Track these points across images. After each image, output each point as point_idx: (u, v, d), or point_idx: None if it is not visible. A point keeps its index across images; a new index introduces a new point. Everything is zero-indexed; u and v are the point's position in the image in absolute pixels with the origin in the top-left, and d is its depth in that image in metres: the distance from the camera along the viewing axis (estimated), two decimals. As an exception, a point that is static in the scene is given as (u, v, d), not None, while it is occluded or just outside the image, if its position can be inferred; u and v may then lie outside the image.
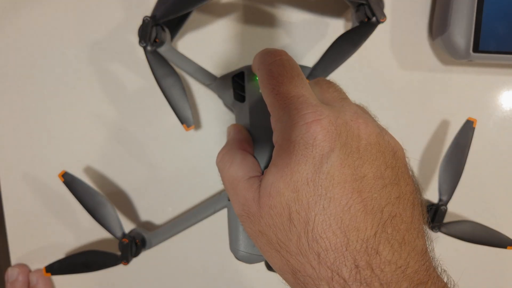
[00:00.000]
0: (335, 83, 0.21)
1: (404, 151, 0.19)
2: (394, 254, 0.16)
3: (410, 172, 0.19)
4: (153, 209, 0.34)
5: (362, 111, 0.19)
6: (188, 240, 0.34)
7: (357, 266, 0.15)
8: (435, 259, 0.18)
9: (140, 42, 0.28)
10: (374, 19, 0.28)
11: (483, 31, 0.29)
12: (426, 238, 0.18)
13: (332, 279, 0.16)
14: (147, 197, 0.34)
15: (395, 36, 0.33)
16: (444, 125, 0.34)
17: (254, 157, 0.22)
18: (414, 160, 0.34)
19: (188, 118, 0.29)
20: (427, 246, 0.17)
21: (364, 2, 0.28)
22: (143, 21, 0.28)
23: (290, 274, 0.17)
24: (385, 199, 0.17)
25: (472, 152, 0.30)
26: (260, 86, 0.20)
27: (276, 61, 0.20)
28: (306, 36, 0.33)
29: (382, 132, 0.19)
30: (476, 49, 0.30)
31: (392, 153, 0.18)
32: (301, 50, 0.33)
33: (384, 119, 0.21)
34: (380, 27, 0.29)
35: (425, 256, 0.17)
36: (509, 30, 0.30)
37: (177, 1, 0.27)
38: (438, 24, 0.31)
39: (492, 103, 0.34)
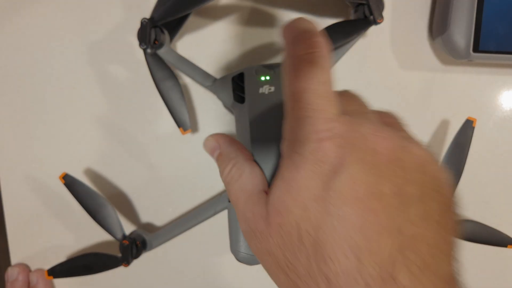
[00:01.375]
0: (359, 96, 0.20)
1: (437, 164, 0.17)
2: (413, 280, 0.14)
3: (444, 186, 0.17)
4: (154, 210, 0.34)
5: (381, 125, 0.17)
6: (188, 242, 0.34)
7: None
8: (464, 285, 0.16)
9: (140, 44, 0.28)
10: (371, 18, 0.28)
11: (483, 31, 0.29)
12: (453, 261, 0.16)
13: None
14: (147, 198, 0.34)
15: (395, 36, 0.33)
16: (444, 125, 0.34)
17: (257, 163, 0.21)
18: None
19: (185, 122, 0.29)
20: (454, 271, 0.15)
21: (364, 2, 0.28)
22: (141, 23, 0.27)
23: None
24: (404, 218, 0.15)
25: (472, 152, 0.30)
26: (284, 77, 0.18)
27: (309, 55, 0.17)
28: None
29: (407, 145, 0.17)
30: (476, 49, 0.30)
31: (417, 168, 0.16)
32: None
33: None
34: (380, 27, 0.28)
35: (451, 283, 0.15)
36: (509, 30, 0.29)
37: (175, 3, 0.27)
38: (438, 24, 0.31)
39: (492, 103, 0.34)
